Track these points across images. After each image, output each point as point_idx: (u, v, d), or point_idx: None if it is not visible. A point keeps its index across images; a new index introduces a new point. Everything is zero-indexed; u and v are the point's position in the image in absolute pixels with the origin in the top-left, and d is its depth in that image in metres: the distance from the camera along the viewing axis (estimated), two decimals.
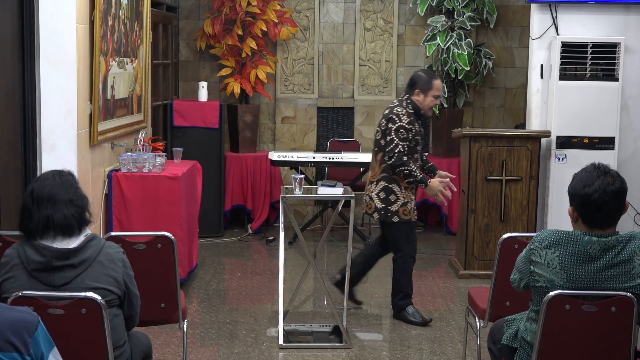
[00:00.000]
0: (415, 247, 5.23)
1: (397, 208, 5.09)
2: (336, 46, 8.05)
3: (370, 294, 5.87)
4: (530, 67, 6.57)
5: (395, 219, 5.10)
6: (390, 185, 5.09)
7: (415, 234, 5.28)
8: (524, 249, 3.13)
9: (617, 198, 2.94)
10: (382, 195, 5.10)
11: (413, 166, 5.03)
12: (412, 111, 5.09)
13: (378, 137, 5.15)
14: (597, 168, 2.98)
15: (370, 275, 6.44)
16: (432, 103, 5.15)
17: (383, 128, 5.09)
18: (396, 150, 4.99)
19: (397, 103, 5.17)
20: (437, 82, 5.18)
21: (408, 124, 5.02)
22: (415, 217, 5.23)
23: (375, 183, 5.15)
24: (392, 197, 5.09)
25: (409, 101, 5.13)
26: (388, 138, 5.02)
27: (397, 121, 5.02)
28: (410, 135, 5.03)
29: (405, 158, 5.00)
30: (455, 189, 5.24)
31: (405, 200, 5.11)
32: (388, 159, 5.03)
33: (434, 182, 5.08)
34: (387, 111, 5.14)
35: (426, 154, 5.49)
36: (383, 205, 5.11)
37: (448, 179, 5.15)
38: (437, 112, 7.50)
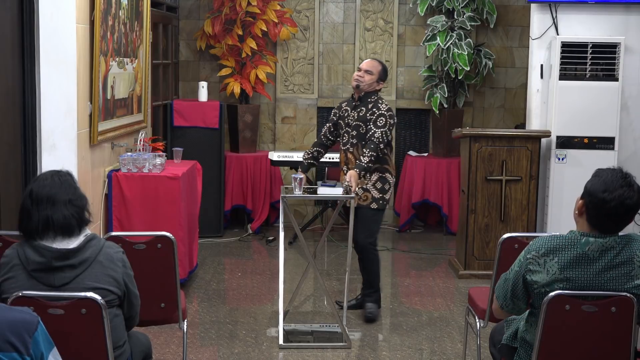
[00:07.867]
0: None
1: (389, 196, 5.26)
2: (336, 46, 8.05)
3: None
4: (530, 67, 6.57)
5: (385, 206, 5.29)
6: (383, 175, 5.21)
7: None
8: (513, 269, 3.08)
9: (631, 213, 2.92)
10: (379, 185, 5.18)
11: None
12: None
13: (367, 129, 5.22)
14: (624, 177, 2.92)
15: None
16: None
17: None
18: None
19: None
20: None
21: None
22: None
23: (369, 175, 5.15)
24: (387, 186, 5.22)
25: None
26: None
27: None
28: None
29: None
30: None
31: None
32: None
33: None
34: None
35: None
36: (380, 195, 5.20)
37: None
38: (437, 111, 7.51)
